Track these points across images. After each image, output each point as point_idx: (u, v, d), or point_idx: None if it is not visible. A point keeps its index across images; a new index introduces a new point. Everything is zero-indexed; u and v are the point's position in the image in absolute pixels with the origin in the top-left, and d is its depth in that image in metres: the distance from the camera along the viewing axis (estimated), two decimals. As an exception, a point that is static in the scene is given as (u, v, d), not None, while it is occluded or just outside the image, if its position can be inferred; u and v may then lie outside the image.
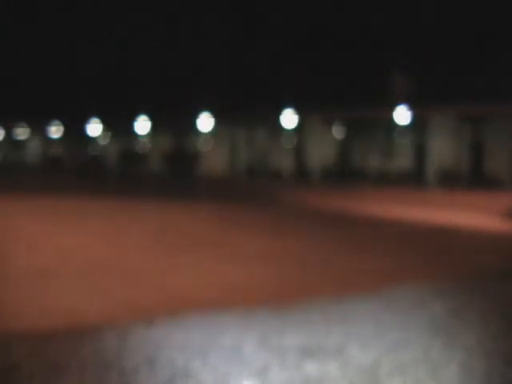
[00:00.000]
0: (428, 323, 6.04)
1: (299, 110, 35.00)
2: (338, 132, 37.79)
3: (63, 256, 10.04)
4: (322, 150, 37.64)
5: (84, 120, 46.13)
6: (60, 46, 44.38)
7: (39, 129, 52.63)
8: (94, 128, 47.51)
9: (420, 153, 34.93)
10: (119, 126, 47.15)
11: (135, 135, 46.14)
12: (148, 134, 44.88)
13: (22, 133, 55.99)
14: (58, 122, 49.88)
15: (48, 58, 44.87)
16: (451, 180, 29.18)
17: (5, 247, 10.95)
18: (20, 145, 57.45)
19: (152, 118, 42.76)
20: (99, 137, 49.55)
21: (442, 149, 33.75)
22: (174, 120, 40.53)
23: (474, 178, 30.27)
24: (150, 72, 40.47)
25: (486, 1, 30.77)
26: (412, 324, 6.01)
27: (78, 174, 40.33)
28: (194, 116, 38.68)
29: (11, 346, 4.38)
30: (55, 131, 51.65)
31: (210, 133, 39.46)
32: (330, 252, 11.87)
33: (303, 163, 37.60)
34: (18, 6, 45.43)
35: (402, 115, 32.93)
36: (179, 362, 4.20)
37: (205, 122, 38.74)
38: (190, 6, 38.75)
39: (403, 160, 35.02)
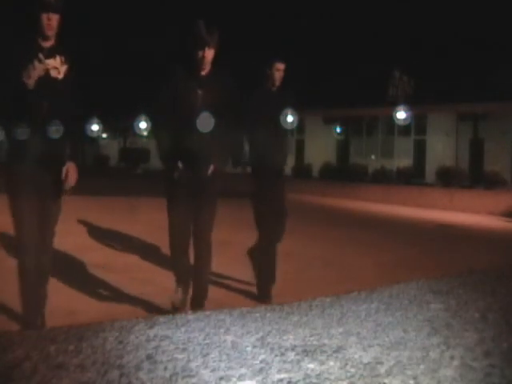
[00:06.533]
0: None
1: (299, 110, 35.06)
2: (337, 131, 37.77)
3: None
4: (322, 148, 37.65)
5: (85, 120, 46.14)
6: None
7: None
8: (94, 128, 47.52)
9: (420, 152, 34.97)
10: (119, 125, 47.06)
11: (135, 135, 46.06)
12: (148, 134, 44.88)
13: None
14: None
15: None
16: (451, 179, 29.15)
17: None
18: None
19: (152, 118, 42.69)
20: (99, 137, 49.54)
21: (442, 148, 33.78)
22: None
23: (474, 176, 30.25)
24: (151, 71, 40.44)
25: (485, 0, 30.79)
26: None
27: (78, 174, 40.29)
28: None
29: (11, 346, 4.38)
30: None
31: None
32: (330, 250, 11.88)
33: (303, 162, 37.60)
34: (18, 6, 45.50)
35: (402, 114, 32.95)
36: (180, 361, 4.21)
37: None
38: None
39: (403, 159, 35.04)
